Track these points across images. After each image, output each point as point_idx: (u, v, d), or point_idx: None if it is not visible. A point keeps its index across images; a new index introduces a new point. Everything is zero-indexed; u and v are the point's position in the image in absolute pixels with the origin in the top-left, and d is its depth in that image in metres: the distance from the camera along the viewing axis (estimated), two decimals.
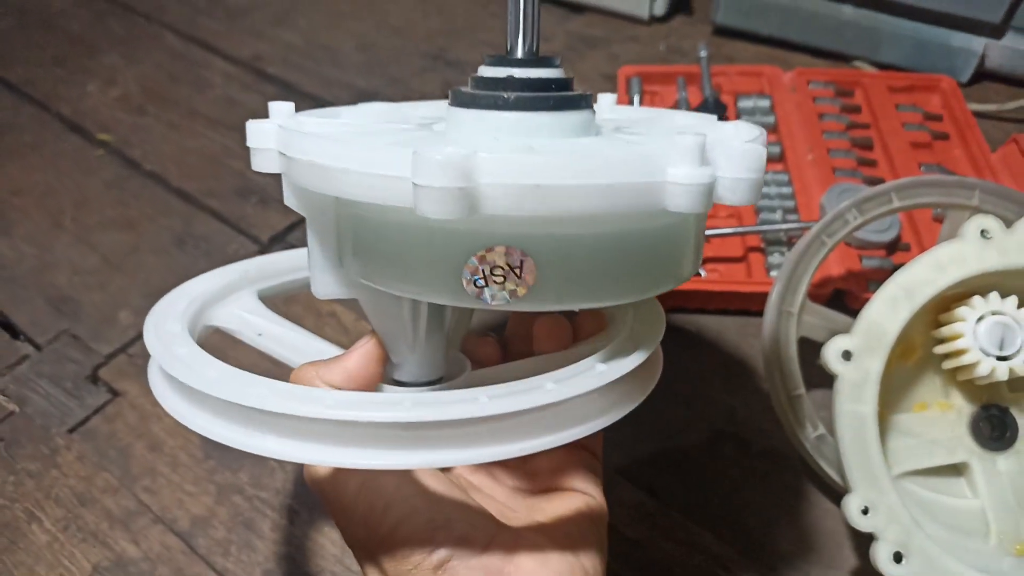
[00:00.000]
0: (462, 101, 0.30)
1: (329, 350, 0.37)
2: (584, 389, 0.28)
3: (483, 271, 0.26)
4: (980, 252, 0.41)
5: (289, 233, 0.65)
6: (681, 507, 0.48)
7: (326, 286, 0.34)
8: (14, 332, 0.58)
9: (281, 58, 0.82)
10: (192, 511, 0.48)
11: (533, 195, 0.23)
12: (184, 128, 0.75)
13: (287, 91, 0.78)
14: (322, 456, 0.26)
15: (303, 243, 0.63)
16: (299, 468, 0.50)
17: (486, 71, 0.31)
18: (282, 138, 0.28)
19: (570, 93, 0.30)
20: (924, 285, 0.40)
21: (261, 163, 0.30)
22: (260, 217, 0.66)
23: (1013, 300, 0.42)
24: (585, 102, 0.31)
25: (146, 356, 0.56)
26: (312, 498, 0.48)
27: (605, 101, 0.43)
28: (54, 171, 0.71)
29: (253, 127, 0.30)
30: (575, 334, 0.37)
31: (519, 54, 0.31)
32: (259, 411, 0.26)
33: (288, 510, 0.48)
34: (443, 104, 0.39)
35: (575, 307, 0.28)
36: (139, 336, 0.58)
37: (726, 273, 0.58)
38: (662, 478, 0.49)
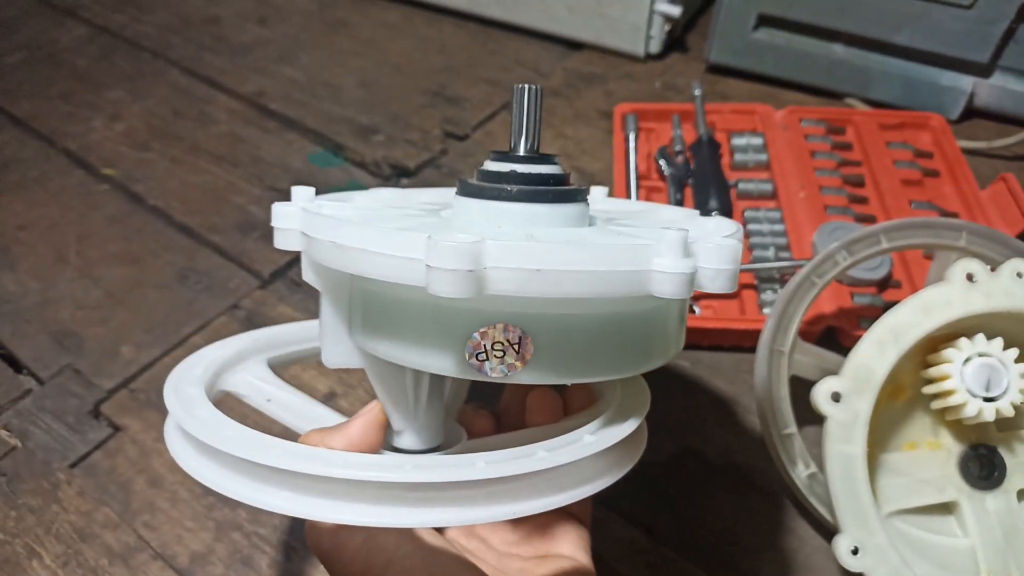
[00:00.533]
0: (468, 191, 0.33)
1: (331, 417, 0.39)
2: (574, 457, 0.29)
3: (484, 346, 0.28)
4: (966, 295, 0.42)
5: (290, 268, 0.65)
6: (675, 545, 0.48)
7: (336, 356, 0.36)
8: (17, 366, 0.59)
9: (284, 94, 0.84)
10: (191, 547, 0.49)
11: (534, 279, 0.25)
12: (188, 163, 0.76)
13: (289, 127, 0.79)
14: (329, 513, 0.28)
15: (303, 279, 0.64)
16: None
17: (491, 165, 0.34)
18: (305, 220, 0.31)
19: (566, 187, 0.33)
20: (911, 328, 0.41)
21: (284, 241, 0.32)
22: (261, 252, 0.67)
23: (999, 342, 0.42)
24: (580, 195, 0.33)
25: (148, 391, 0.57)
26: None
27: (598, 194, 0.47)
28: (58, 206, 0.72)
29: (278, 210, 0.32)
30: (565, 409, 0.40)
31: (521, 151, 0.34)
32: (273, 469, 0.28)
33: (285, 547, 0.49)
34: (445, 191, 0.43)
35: (568, 381, 0.31)
36: (141, 371, 0.59)
37: (720, 310, 0.59)
38: (656, 515, 0.49)
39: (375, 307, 0.31)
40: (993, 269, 0.43)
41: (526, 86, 0.34)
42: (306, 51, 0.90)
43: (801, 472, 0.47)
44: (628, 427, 0.33)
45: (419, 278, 0.25)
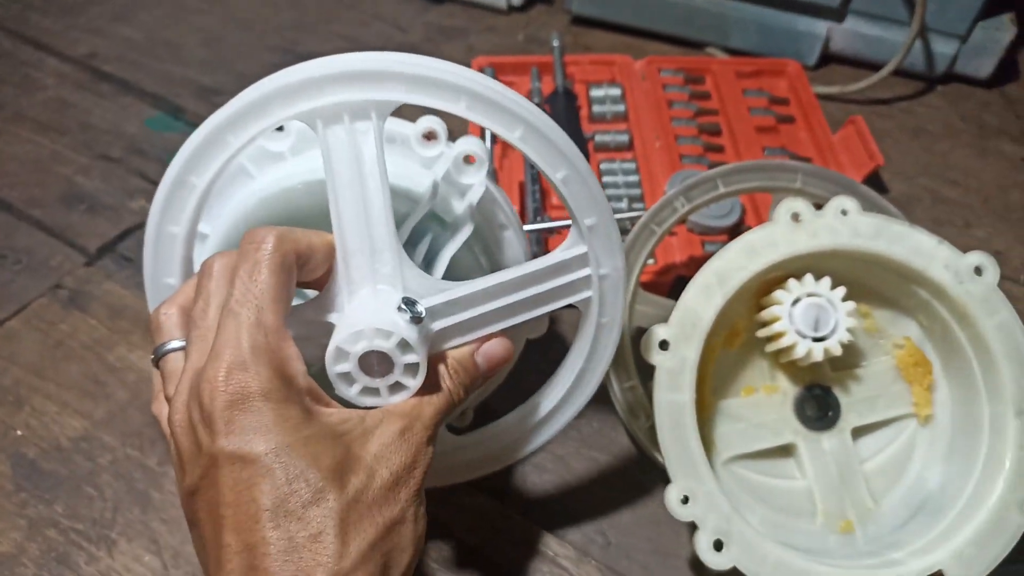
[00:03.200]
0: None
1: None
2: None
3: None
4: (791, 235, 0.41)
5: (119, 242, 0.61)
6: (523, 507, 0.47)
7: None
8: None
9: (119, 56, 0.77)
10: None
11: None
12: (8, 133, 0.69)
13: (125, 90, 0.73)
14: None
15: (135, 252, 0.59)
16: (119, 495, 0.47)
17: None
18: None
19: None
20: (736, 271, 0.40)
21: None
22: (88, 225, 0.62)
23: (827, 281, 0.42)
24: None
25: None
26: (133, 528, 0.45)
27: None
28: None
29: None
30: None
31: None
32: None
33: (106, 541, 0.45)
34: None
35: None
36: None
37: None
38: (506, 480, 0.48)
39: None
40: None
41: None
42: (145, 8, 0.83)
43: (643, 424, 0.46)
44: None
45: None
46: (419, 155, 0.39)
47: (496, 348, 0.34)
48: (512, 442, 0.40)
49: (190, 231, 0.34)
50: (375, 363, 0.30)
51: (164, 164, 0.67)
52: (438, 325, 0.32)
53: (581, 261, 0.34)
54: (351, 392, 0.31)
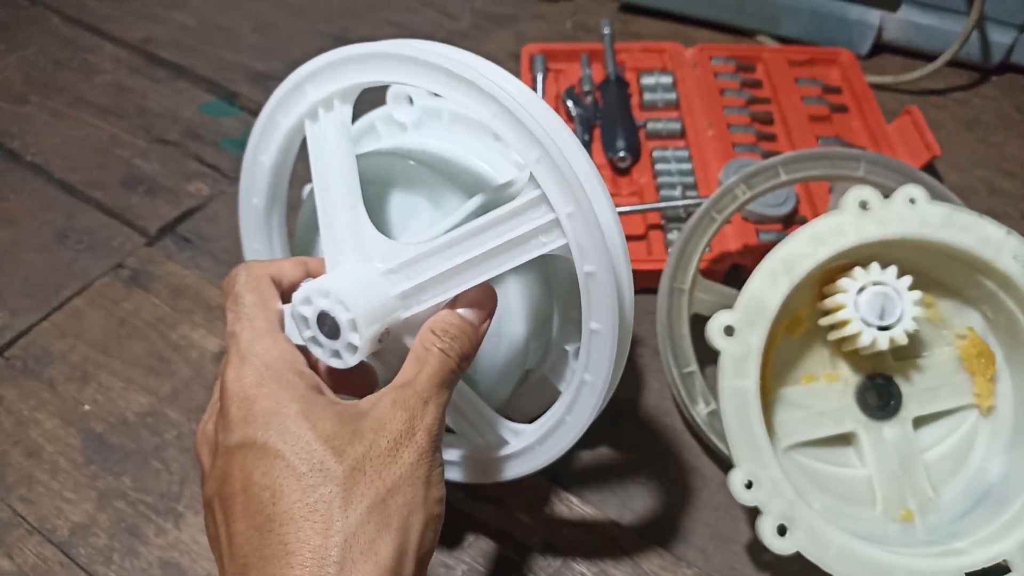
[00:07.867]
0: None
1: None
2: None
3: None
4: (858, 223, 0.41)
5: (179, 224, 0.62)
6: (579, 489, 0.47)
7: None
8: None
9: (174, 41, 0.78)
10: (72, 519, 0.46)
11: None
12: (69, 117, 0.71)
13: (179, 75, 0.75)
14: None
15: (194, 233, 0.60)
16: (185, 470, 0.48)
17: None
18: None
19: None
20: (803, 258, 0.40)
21: None
22: (147, 207, 0.63)
23: (893, 270, 0.42)
24: None
25: (24, 357, 0.54)
26: (199, 502, 0.46)
27: None
28: None
29: None
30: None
31: None
32: None
33: (173, 513, 0.46)
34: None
35: None
36: (17, 337, 0.55)
37: None
38: (559, 460, 0.48)
39: None
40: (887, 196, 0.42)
41: None
42: None
43: (702, 410, 0.46)
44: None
45: None
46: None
47: (473, 293, 0.34)
48: (478, 464, 0.40)
49: (277, 160, 0.40)
50: (326, 324, 0.33)
51: (220, 149, 0.68)
52: (400, 287, 0.34)
53: (538, 202, 0.32)
54: (303, 335, 0.33)
